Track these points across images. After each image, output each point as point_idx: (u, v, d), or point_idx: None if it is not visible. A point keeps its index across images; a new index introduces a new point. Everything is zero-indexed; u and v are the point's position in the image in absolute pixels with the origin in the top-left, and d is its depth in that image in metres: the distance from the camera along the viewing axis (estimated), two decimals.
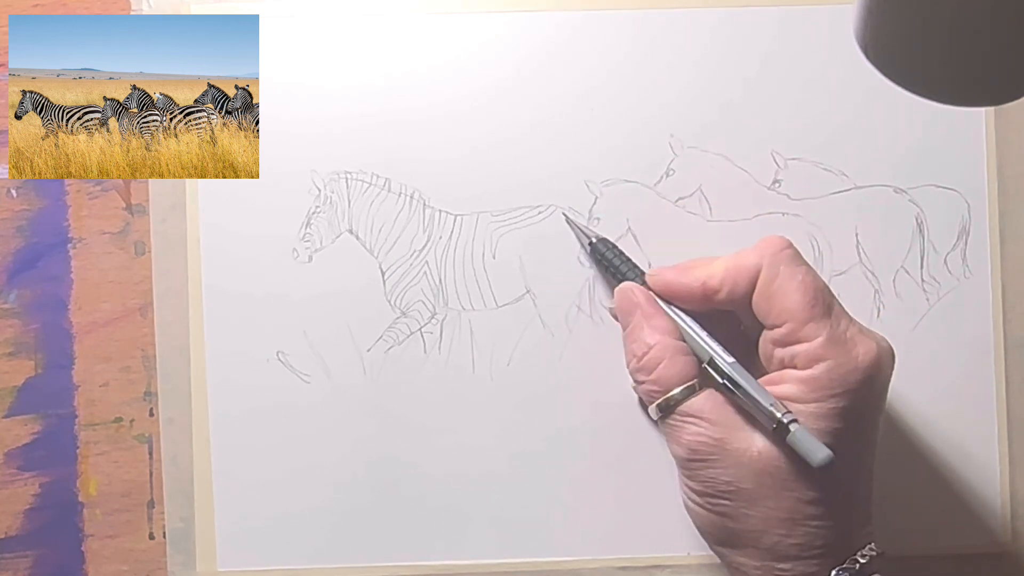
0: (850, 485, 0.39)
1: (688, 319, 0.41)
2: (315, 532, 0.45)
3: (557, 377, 0.45)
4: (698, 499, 0.40)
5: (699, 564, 0.45)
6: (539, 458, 0.45)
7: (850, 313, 0.39)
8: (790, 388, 0.38)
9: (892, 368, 0.39)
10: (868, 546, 0.39)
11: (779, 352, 0.39)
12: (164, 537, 0.45)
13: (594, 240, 0.44)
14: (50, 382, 0.46)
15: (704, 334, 0.41)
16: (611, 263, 0.44)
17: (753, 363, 0.41)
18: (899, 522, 0.45)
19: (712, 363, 0.40)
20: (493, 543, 0.45)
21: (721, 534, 0.40)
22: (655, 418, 0.41)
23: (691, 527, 0.44)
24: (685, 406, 0.39)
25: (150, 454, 0.46)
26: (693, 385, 0.40)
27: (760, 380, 0.39)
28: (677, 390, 0.40)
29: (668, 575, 0.45)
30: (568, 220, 0.45)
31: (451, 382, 0.45)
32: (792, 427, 0.37)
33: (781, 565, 0.38)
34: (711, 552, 0.44)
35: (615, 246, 0.44)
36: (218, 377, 0.45)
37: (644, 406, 0.43)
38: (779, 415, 0.37)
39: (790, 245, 0.40)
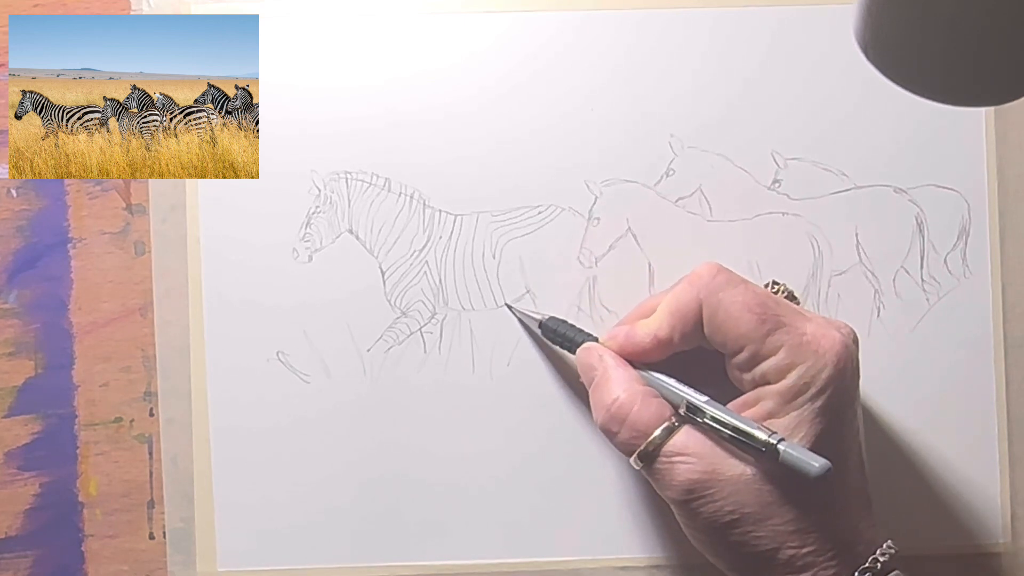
0: (845, 479, 0.39)
1: (654, 372, 0.41)
2: (315, 532, 0.45)
3: (557, 377, 0.45)
4: (706, 538, 0.39)
5: (699, 564, 0.45)
6: (539, 458, 0.45)
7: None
8: (768, 404, 0.38)
9: (857, 350, 0.39)
10: (887, 543, 0.39)
11: (747, 376, 0.39)
12: (164, 537, 0.45)
13: (543, 320, 0.44)
14: (50, 382, 0.46)
15: (672, 380, 0.40)
16: (564, 336, 0.43)
17: (729, 387, 0.41)
18: (899, 522, 0.45)
19: (688, 406, 0.39)
20: (493, 543, 0.45)
21: (740, 563, 0.39)
22: (637, 467, 0.40)
23: None
24: (669, 446, 0.39)
25: (150, 454, 0.46)
26: (670, 425, 0.39)
27: (734, 404, 0.39)
28: (656, 433, 0.39)
29: (668, 575, 0.45)
30: (511, 308, 0.45)
31: (451, 382, 0.45)
32: (781, 446, 0.37)
33: (802, 575, 0.38)
34: None
35: (564, 321, 0.44)
36: (218, 377, 0.45)
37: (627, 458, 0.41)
38: (767, 438, 0.37)
39: (721, 269, 0.40)
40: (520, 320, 0.45)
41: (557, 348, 0.44)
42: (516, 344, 0.45)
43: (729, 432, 0.38)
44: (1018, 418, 0.45)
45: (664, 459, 0.39)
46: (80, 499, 0.46)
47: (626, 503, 0.45)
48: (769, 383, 0.38)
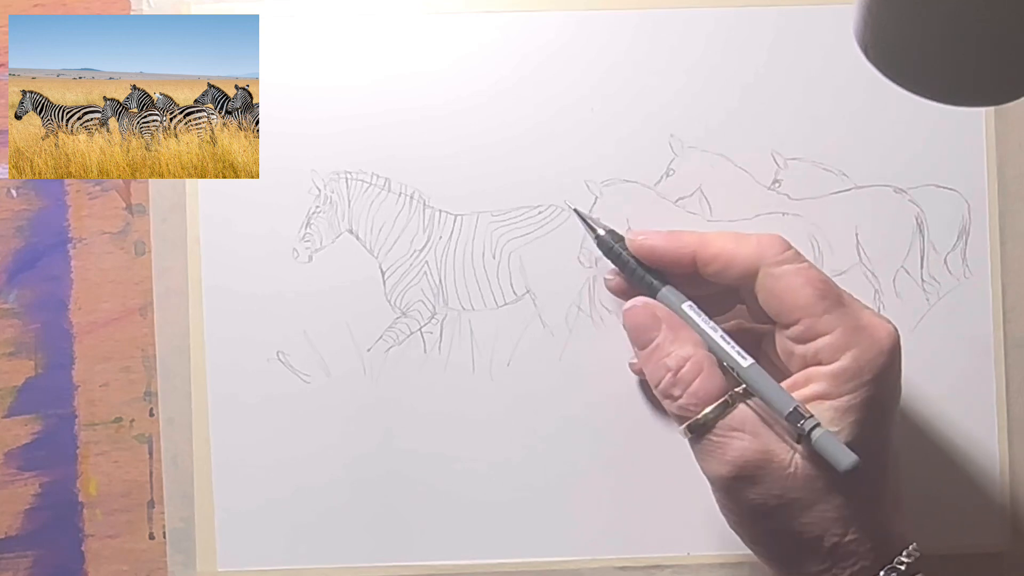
0: (885, 472, 0.38)
1: (705, 321, 0.40)
2: (315, 532, 0.45)
3: (557, 377, 0.45)
4: (748, 522, 0.38)
5: (699, 564, 0.45)
6: (539, 458, 0.45)
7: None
8: (819, 386, 0.37)
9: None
10: (912, 546, 0.38)
11: (800, 349, 0.38)
12: (164, 537, 0.45)
13: (602, 233, 0.43)
14: (50, 382, 0.46)
15: (720, 335, 0.39)
16: (619, 256, 0.42)
17: (761, 356, 0.40)
18: None
19: (732, 370, 0.38)
20: (493, 543, 0.45)
21: (779, 550, 0.38)
22: (686, 437, 0.39)
23: (691, 527, 0.44)
24: (727, 420, 0.38)
25: (150, 454, 0.46)
26: (728, 400, 0.38)
27: (785, 383, 0.38)
28: (712, 407, 0.38)
29: (668, 575, 0.45)
30: (577, 212, 0.44)
31: (451, 382, 0.45)
32: (814, 434, 0.36)
33: (843, 563, 0.37)
34: (711, 552, 0.45)
35: (623, 238, 0.43)
36: (218, 377, 0.45)
37: (678, 425, 0.40)
38: (799, 424, 0.36)
39: (787, 244, 0.39)
40: (583, 225, 0.44)
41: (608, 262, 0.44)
42: (516, 344, 0.45)
43: (764, 404, 0.38)
44: (1018, 418, 0.45)
45: (719, 432, 0.38)
46: (80, 499, 0.46)
47: (626, 503, 0.45)
48: (821, 363, 0.38)
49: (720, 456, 0.38)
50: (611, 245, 0.43)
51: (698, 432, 0.38)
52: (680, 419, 0.39)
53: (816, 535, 0.37)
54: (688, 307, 0.40)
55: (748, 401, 0.38)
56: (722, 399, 0.38)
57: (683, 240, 0.41)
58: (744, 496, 0.38)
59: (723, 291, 0.42)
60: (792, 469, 0.37)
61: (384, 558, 0.45)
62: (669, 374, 0.39)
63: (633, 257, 0.42)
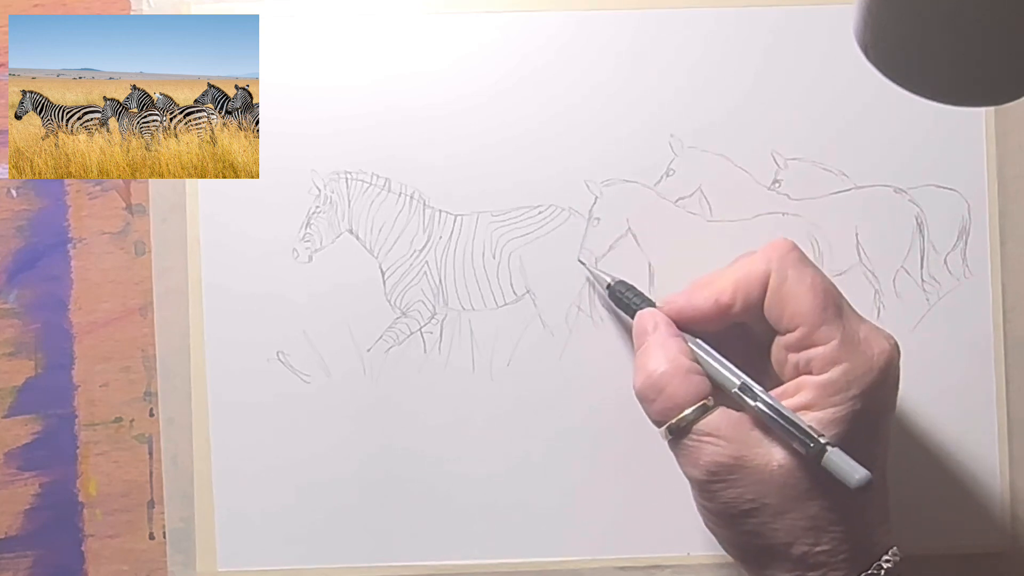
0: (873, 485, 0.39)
1: (709, 348, 0.41)
2: (315, 532, 0.45)
3: (557, 377, 0.45)
4: (719, 520, 0.39)
5: (699, 564, 0.45)
6: (539, 458, 0.45)
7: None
8: (806, 396, 0.38)
9: (899, 362, 0.39)
10: (891, 551, 0.38)
11: (793, 357, 0.39)
12: (164, 537, 0.45)
13: (612, 283, 0.44)
14: (50, 382, 0.46)
15: (723, 360, 0.40)
16: (631, 302, 0.43)
17: (766, 373, 0.41)
18: (899, 522, 0.45)
19: (745, 389, 0.39)
20: (493, 543, 0.45)
21: (748, 553, 0.39)
22: (665, 439, 0.40)
23: (691, 527, 0.44)
24: (701, 424, 0.38)
25: (150, 454, 0.46)
26: (706, 404, 0.39)
27: (775, 391, 0.39)
28: (689, 410, 0.38)
29: (668, 575, 0.45)
30: (585, 266, 0.45)
31: (451, 382, 0.45)
32: (828, 449, 0.36)
33: (811, 573, 0.38)
34: (711, 552, 0.45)
35: (632, 287, 0.43)
36: (218, 377, 0.45)
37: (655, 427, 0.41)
38: (815, 437, 0.37)
39: (796, 247, 0.40)
40: (588, 278, 0.45)
41: (621, 313, 0.44)
42: (516, 344, 0.45)
43: (780, 422, 0.38)
44: (1018, 418, 0.45)
45: (694, 437, 0.38)
46: (80, 499, 0.46)
47: (626, 503, 0.45)
48: (811, 372, 0.38)
49: (694, 459, 0.38)
50: (620, 293, 0.43)
51: (677, 435, 0.39)
52: (656, 422, 0.40)
53: (786, 542, 0.38)
54: (697, 344, 0.41)
55: (729, 405, 0.39)
56: (699, 403, 0.39)
57: (702, 295, 0.41)
58: (718, 497, 0.38)
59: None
60: (767, 475, 0.37)
61: (384, 558, 0.45)
62: (646, 378, 0.40)
63: (647, 300, 0.43)
